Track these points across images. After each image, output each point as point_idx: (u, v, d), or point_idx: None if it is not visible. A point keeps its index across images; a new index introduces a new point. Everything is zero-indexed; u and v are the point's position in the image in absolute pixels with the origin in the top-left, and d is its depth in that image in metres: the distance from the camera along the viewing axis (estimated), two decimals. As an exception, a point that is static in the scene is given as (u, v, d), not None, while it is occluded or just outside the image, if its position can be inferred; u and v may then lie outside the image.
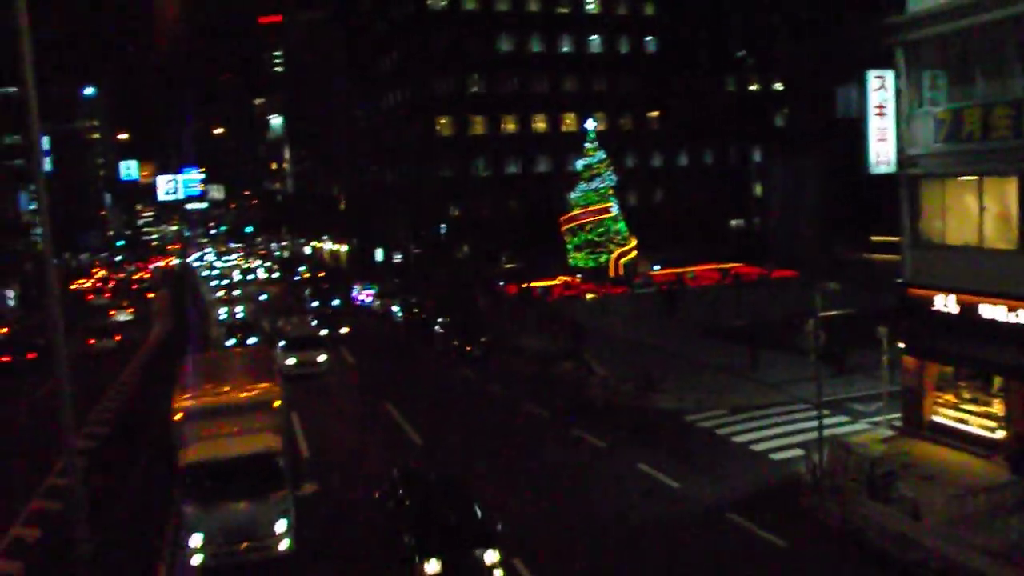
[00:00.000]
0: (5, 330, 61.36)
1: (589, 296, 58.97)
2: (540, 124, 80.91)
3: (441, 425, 30.23)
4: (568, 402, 32.09)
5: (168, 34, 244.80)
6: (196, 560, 17.90)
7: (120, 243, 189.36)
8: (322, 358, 40.34)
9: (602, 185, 64.84)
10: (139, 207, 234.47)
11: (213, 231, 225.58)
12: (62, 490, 21.89)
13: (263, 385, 22.31)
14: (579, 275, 64.33)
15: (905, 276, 24.77)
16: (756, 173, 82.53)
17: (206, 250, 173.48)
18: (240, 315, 61.69)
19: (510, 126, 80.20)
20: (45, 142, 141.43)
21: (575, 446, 26.71)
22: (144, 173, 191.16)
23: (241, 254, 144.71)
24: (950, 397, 24.29)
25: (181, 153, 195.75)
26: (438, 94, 77.88)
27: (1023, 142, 20.50)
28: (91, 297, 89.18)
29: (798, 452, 23.77)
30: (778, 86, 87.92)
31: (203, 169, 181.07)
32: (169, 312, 68.86)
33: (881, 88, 24.26)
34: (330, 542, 20.09)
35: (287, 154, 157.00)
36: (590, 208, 65.01)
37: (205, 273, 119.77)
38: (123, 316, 68.76)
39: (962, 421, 23.65)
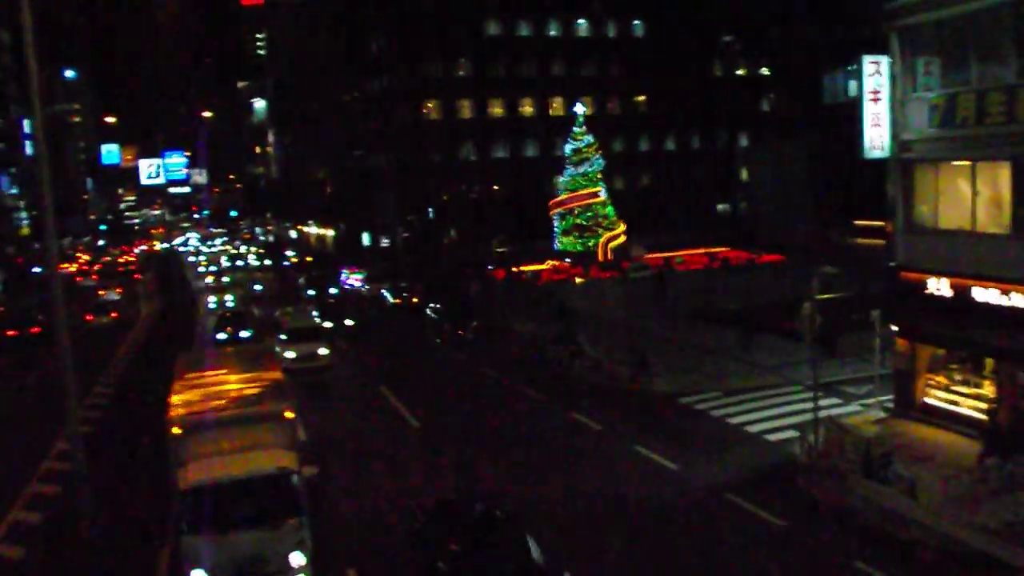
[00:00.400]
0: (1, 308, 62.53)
1: (578, 280, 59.27)
2: (528, 108, 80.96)
3: (437, 409, 30.39)
4: (562, 385, 32.34)
5: (151, 17, 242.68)
6: None
7: (102, 227, 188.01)
8: (324, 351, 37.20)
9: (590, 169, 65.09)
10: (121, 191, 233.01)
11: (196, 215, 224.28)
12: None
13: (271, 392, 20.05)
14: (567, 259, 64.59)
15: (898, 260, 25.07)
16: (742, 158, 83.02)
17: (189, 234, 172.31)
18: (230, 304, 58.42)
19: (498, 110, 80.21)
20: (26, 125, 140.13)
21: (572, 429, 26.95)
22: (127, 157, 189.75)
23: (227, 239, 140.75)
24: (942, 379, 24.68)
25: (164, 137, 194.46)
26: (426, 78, 77.75)
27: (1016, 128, 20.79)
28: (80, 279, 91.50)
29: (793, 433, 24.16)
30: (764, 71, 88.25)
31: (188, 153, 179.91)
32: (157, 293, 72.48)
33: (876, 74, 24.43)
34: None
35: (271, 138, 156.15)
36: (578, 192, 65.23)
37: (191, 259, 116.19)
38: (112, 296, 70.09)
39: (953, 403, 24.03)
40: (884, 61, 24.53)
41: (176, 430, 18.04)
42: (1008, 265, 21.29)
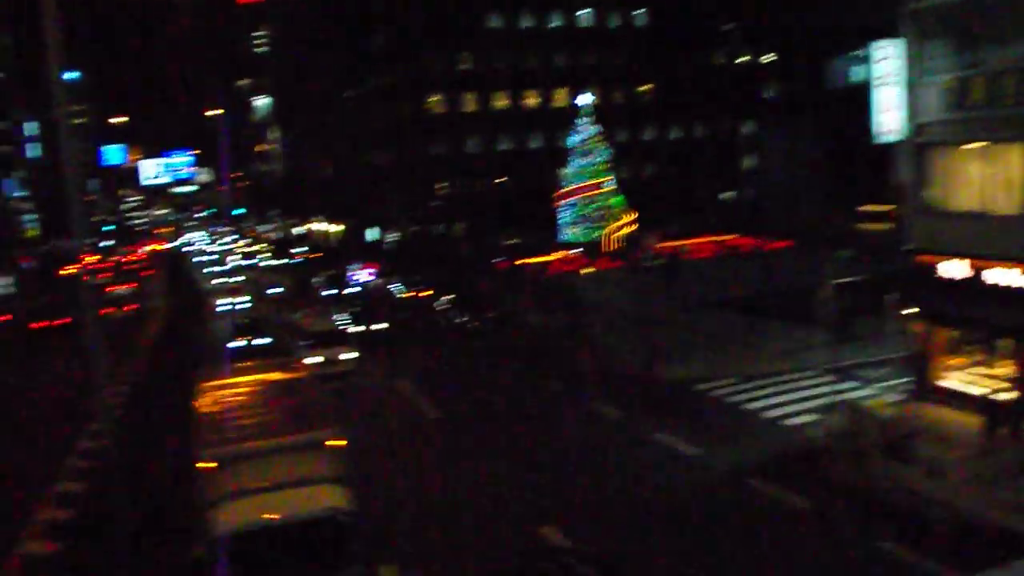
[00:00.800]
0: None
1: (585, 271, 59.44)
2: (531, 100, 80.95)
3: (454, 399, 30.63)
4: (576, 374, 32.53)
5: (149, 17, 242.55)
6: None
7: (107, 228, 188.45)
8: (349, 356, 34.72)
9: (597, 160, 65.16)
10: (124, 192, 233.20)
11: (200, 214, 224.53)
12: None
13: (313, 415, 17.66)
14: (575, 250, 64.72)
15: (912, 243, 25.21)
16: (747, 145, 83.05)
17: (194, 233, 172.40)
18: (243, 306, 54.94)
19: (501, 103, 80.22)
20: (34, 128, 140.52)
21: (589, 417, 27.15)
22: (132, 157, 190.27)
23: (235, 236, 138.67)
24: (958, 361, 24.81)
25: (167, 136, 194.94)
26: (429, 72, 77.80)
27: (1029, 109, 20.92)
28: (86, 278, 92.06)
29: (810, 418, 24.36)
30: (768, 58, 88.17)
31: (198, 151, 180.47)
32: (167, 290, 73.72)
33: (886, 58, 24.53)
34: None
35: (274, 135, 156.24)
36: (585, 183, 65.34)
37: (199, 259, 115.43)
38: (121, 291, 72.34)
39: (970, 384, 24.17)
40: (895, 45, 24.62)
41: (204, 464, 15.74)
42: (1023, 245, 21.42)
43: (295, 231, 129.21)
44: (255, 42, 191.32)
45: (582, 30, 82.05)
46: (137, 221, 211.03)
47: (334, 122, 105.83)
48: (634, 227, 65.37)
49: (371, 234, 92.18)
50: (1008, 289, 21.78)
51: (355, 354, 34.75)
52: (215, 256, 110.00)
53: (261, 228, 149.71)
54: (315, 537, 13.96)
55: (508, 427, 26.84)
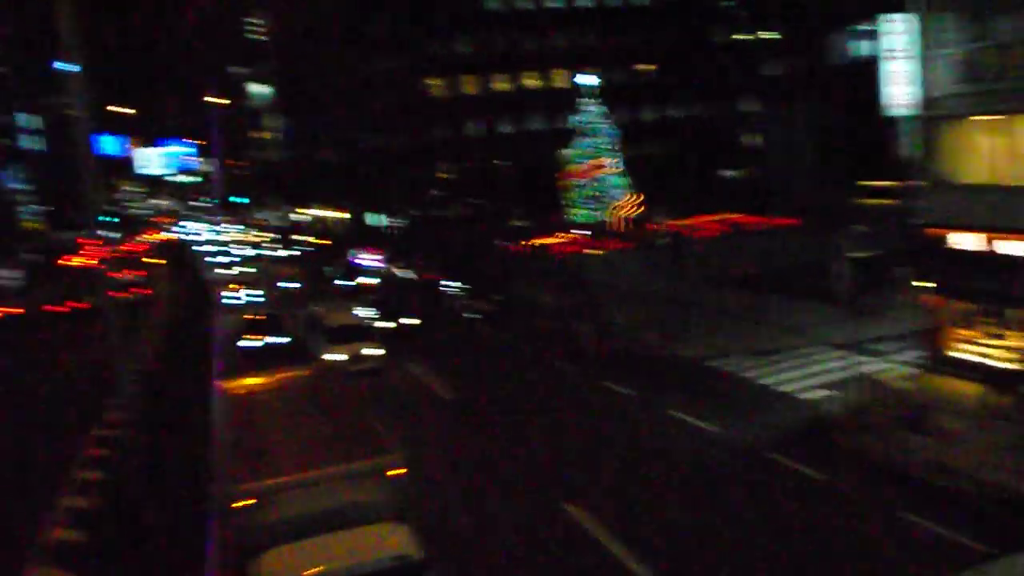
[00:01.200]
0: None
1: (592, 251, 59.50)
2: (532, 81, 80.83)
3: (468, 381, 30.81)
4: (587, 353, 32.70)
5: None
6: None
7: (104, 219, 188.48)
8: (374, 351, 32.06)
9: (601, 140, 65.12)
10: (123, 181, 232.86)
11: (198, 203, 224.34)
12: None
13: (364, 437, 15.27)
14: (580, 231, 64.76)
15: (923, 216, 25.35)
16: (750, 123, 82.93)
17: (194, 222, 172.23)
18: (254, 299, 51.85)
19: (502, 85, 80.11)
20: (39, 121, 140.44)
21: (604, 396, 27.33)
22: (134, 147, 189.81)
23: (242, 227, 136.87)
24: (972, 333, 24.96)
25: (167, 126, 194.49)
26: (429, 55, 77.69)
27: (1041, 81, 21.01)
28: (103, 267, 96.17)
29: (825, 392, 24.54)
30: (770, 35, 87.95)
31: (200, 142, 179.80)
32: (171, 276, 74.58)
33: (896, 32, 24.58)
34: None
35: (273, 122, 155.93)
36: (590, 164, 65.31)
37: (203, 248, 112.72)
38: (128, 278, 73.40)
39: (984, 355, 24.34)
40: (905, 19, 24.65)
41: (240, 502, 13.27)
42: (1035, 217, 21.56)
43: (297, 217, 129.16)
44: (254, 29, 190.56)
45: (581, 10, 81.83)
46: (139, 211, 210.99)
47: (336, 108, 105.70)
48: (639, 208, 65.37)
49: (373, 219, 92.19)
50: (1020, 260, 21.92)
51: (381, 350, 32.32)
52: (221, 246, 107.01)
53: (262, 215, 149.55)
54: None
55: (523, 407, 27.02)
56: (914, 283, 25.61)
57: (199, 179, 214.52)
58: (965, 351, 24.89)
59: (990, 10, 22.54)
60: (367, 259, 65.15)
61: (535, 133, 79.86)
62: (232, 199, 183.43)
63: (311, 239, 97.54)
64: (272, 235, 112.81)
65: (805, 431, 22.24)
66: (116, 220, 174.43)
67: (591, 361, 31.73)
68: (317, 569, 11.62)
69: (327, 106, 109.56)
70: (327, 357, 30.43)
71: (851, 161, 62.33)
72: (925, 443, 19.16)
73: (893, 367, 26.16)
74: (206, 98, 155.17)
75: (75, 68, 16.86)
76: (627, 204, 65.10)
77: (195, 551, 17.33)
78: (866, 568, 15.40)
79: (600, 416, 25.32)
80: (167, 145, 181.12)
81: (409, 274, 57.01)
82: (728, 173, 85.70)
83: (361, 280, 55.33)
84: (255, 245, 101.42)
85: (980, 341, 24.67)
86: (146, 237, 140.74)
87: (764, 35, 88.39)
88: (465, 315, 43.31)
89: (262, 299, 52.13)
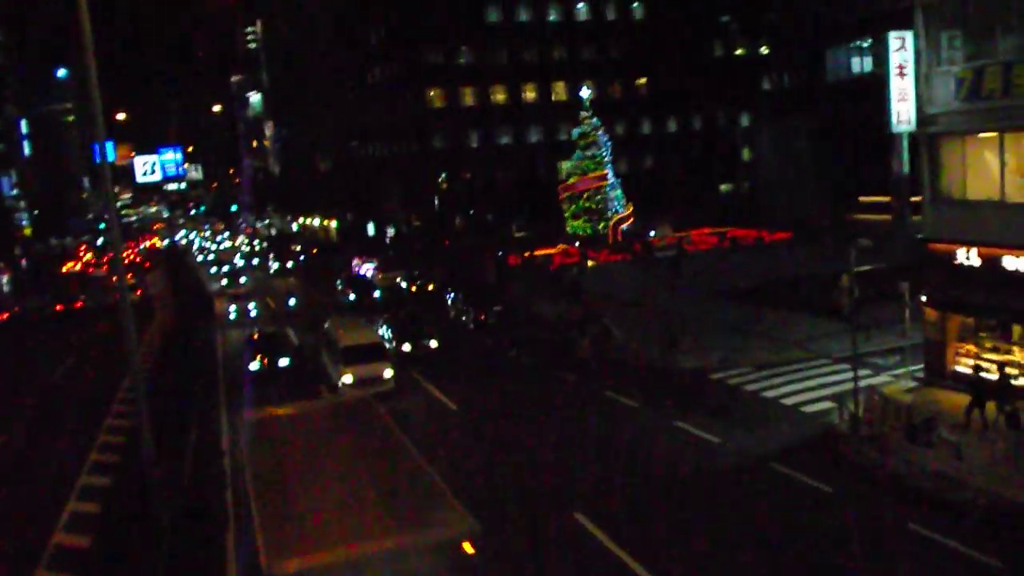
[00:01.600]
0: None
1: (590, 263, 59.71)
2: (530, 94, 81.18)
3: (471, 391, 30.90)
4: (590, 365, 32.84)
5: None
6: None
7: (101, 226, 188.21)
8: (388, 373, 30.29)
9: (598, 152, 65.45)
10: (117, 189, 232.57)
11: (193, 211, 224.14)
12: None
13: (426, 498, 12.68)
14: (578, 243, 65.00)
15: (925, 231, 25.61)
16: (744, 137, 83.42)
17: (187, 231, 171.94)
18: (253, 314, 50.36)
19: (500, 97, 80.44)
20: (24, 126, 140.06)
21: (609, 407, 27.46)
22: (122, 155, 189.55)
23: (242, 237, 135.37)
24: (972, 347, 25.20)
25: (158, 133, 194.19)
26: (428, 66, 77.95)
27: (1044, 98, 21.29)
28: (92, 270, 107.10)
29: (827, 404, 24.77)
30: (764, 51, 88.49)
31: (191, 148, 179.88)
32: (169, 288, 73.43)
33: (901, 49, 24.92)
34: None
35: (268, 131, 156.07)
36: (587, 176, 65.62)
37: (199, 257, 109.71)
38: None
39: (984, 370, 24.56)
40: (908, 36, 24.99)
41: None
42: (1038, 232, 21.82)
43: (294, 226, 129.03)
44: (248, 38, 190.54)
45: (580, 24, 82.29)
46: (131, 219, 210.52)
47: (330, 117, 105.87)
48: (632, 220, 65.67)
49: (371, 229, 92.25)
50: (1021, 275, 22.17)
51: (392, 371, 30.63)
52: (216, 255, 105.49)
53: (259, 224, 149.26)
54: None
55: (527, 418, 27.14)
56: (917, 297, 25.83)
57: (186, 187, 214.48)
58: (966, 365, 25.10)
59: (994, 28, 22.84)
60: (369, 269, 65.09)
61: (530, 145, 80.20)
62: (228, 207, 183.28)
63: (311, 249, 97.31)
64: (268, 244, 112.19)
65: (810, 443, 22.44)
66: (103, 227, 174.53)
67: (591, 372, 31.88)
68: None
69: (319, 115, 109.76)
70: (344, 380, 29.48)
71: (846, 176, 62.76)
72: (930, 455, 19.37)
73: (894, 381, 26.39)
74: (202, 105, 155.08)
75: (91, 74, 16.93)
76: (623, 216, 65.41)
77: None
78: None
79: (606, 427, 25.46)
80: (163, 153, 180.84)
81: (412, 286, 56.91)
82: (722, 187, 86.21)
83: (370, 294, 54.20)
84: (250, 255, 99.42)
85: (981, 356, 24.94)
86: (140, 246, 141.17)
87: (761, 51, 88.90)
88: (466, 325, 43.37)
89: (260, 313, 50.53)
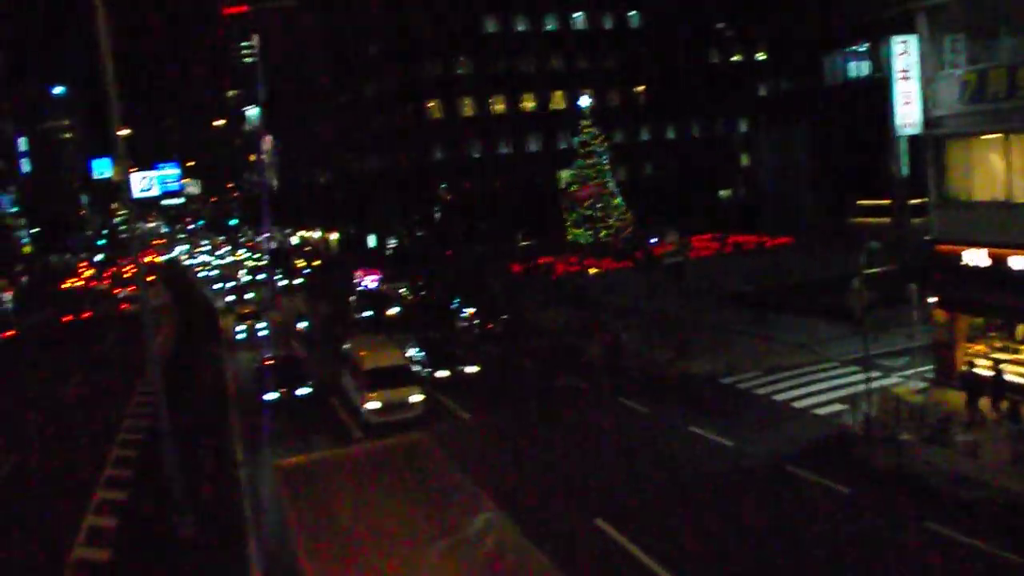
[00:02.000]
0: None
1: (592, 271, 59.93)
2: (529, 104, 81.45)
3: (483, 400, 30.99)
4: (600, 372, 32.97)
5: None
6: None
7: (100, 242, 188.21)
8: (417, 398, 27.88)
9: (599, 161, 65.76)
10: (114, 205, 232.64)
11: (191, 226, 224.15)
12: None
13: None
14: (580, 251, 65.23)
15: (933, 233, 25.79)
16: (743, 143, 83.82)
17: (187, 245, 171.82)
18: (262, 333, 48.69)
19: (499, 107, 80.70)
20: (22, 143, 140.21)
21: (622, 413, 27.59)
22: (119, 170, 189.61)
23: (242, 250, 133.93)
24: (981, 347, 25.38)
25: (155, 148, 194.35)
26: (426, 77, 78.25)
27: (1049, 100, 21.51)
28: (95, 283, 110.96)
29: (839, 407, 24.91)
30: (761, 56, 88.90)
31: (190, 163, 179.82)
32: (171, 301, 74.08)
33: (905, 53, 25.12)
34: None
35: (266, 145, 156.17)
36: (588, 184, 65.91)
37: (202, 273, 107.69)
38: (124, 294, 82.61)
39: (995, 369, 24.71)
40: (912, 40, 25.21)
41: None
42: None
43: (295, 240, 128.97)
44: (243, 53, 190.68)
45: (577, 33, 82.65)
46: (127, 235, 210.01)
47: (328, 130, 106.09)
48: (630, 228, 65.94)
49: (371, 240, 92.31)
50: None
51: (422, 396, 28.27)
52: (219, 270, 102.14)
53: (259, 237, 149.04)
54: None
55: (542, 425, 27.25)
56: (925, 299, 26.00)
57: (184, 201, 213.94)
58: (976, 365, 25.28)
59: (997, 31, 23.07)
60: (372, 282, 64.95)
61: (530, 155, 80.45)
62: (227, 221, 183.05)
63: (312, 262, 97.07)
64: (269, 258, 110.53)
65: (824, 445, 22.58)
66: (101, 243, 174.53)
67: (601, 379, 32.00)
68: None
69: (317, 127, 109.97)
70: (368, 406, 27.23)
71: (845, 179, 63.10)
72: (943, 455, 19.51)
73: (903, 382, 26.53)
74: (200, 120, 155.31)
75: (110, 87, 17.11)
76: (624, 224, 65.65)
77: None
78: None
79: (621, 433, 25.59)
80: (162, 168, 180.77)
81: (401, 292, 56.74)
82: (722, 193, 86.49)
83: (385, 309, 51.70)
84: (253, 270, 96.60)
85: (991, 356, 25.09)
86: (147, 260, 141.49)
87: (758, 57, 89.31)
88: (472, 335, 43.48)
89: (269, 332, 48.63)
